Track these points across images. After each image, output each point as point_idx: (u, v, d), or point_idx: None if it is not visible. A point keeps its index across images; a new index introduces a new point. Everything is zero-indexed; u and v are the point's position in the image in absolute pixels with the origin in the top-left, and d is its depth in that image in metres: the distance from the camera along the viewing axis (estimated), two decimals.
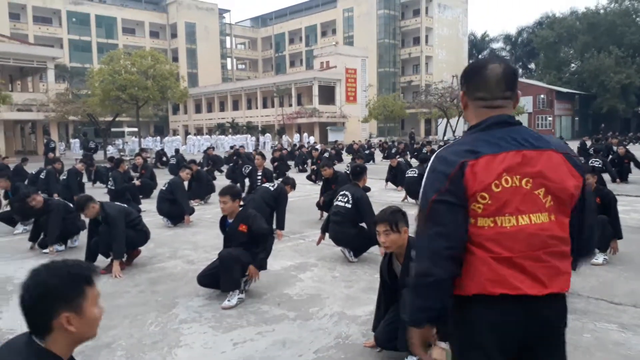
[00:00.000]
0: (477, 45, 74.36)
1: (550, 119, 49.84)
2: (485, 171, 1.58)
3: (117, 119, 29.67)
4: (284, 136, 40.43)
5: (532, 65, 68.93)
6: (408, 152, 22.77)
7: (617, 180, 12.12)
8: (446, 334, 1.88)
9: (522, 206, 1.59)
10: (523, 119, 44.86)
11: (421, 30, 60.54)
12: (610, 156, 14.38)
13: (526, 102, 47.88)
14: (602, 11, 55.97)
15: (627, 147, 16.25)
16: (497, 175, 1.58)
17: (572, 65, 59.81)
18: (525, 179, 1.60)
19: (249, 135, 41.32)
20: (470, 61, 1.77)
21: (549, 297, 1.60)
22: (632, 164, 12.78)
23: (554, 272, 1.61)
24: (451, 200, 1.59)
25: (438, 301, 1.63)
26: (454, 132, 40.33)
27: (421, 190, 1.68)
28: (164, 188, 8.33)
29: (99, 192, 11.79)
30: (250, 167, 11.32)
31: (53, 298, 1.43)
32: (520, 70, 72.57)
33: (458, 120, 41.78)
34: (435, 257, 1.60)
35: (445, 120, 41.49)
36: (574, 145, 18.72)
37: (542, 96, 51.04)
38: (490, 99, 1.69)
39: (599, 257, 5.23)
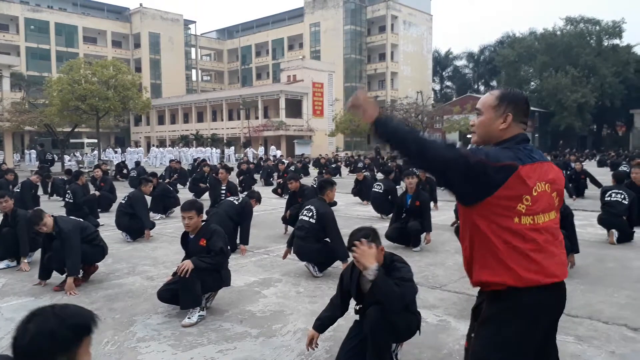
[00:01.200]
0: (441, 62, 76.19)
1: None
2: (528, 177, 1.94)
3: (76, 129, 28.86)
4: (249, 149, 40.08)
5: (494, 83, 71.09)
6: (374, 167, 22.96)
7: (574, 197, 12.32)
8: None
9: (546, 206, 1.99)
10: None
11: (387, 46, 61.69)
12: (568, 172, 14.84)
13: None
14: (558, 32, 58.32)
15: (584, 163, 16.82)
16: (535, 181, 1.96)
17: (532, 83, 61.95)
18: (548, 184, 2.01)
19: (212, 148, 40.71)
20: (506, 88, 2.08)
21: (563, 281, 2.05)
22: (588, 180, 13.19)
23: (564, 259, 2.06)
24: (489, 171, 1.89)
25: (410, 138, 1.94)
26: None
27: (487, 152, 1.96)
28: (123, 201, 8.08)
29: (55, 205, 11.39)
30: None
31: (55, 347, 1.43)
32: (482, 88, 74.73)
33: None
34: (444, 150, 1.91)
35: None
36: None
37: None
38: (527, 122, 2.17)
39: None
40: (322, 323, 3.35)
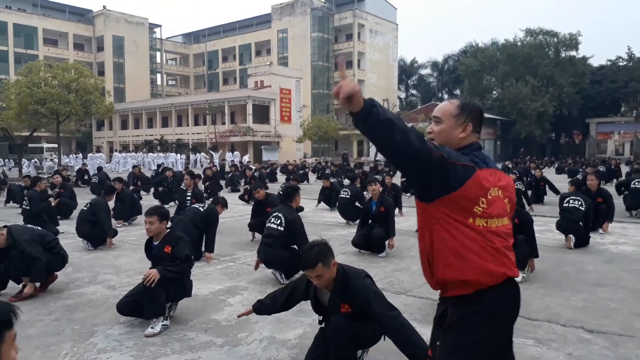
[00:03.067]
0: (406, 70, 77.36)
1: None
2: (485, 180, 2.01)
3: (35, 134, 27.95)
4: (214, 153, 39.54)
5: (457, 92, 72.57)
6: (342, 173, 23.02)
7: (532, 207, 11.60)
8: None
9: (500, 211, 2.04)
10: None
11: (354, 54, 62.26)
12: (528, 179, 15.25)
13: None
14: (519, 43, 60.06)
15: (543, 170, 17.31)
16: (490, 185, 2.02)
17: (494, 92, 63.49)
18: (500, 190, 2.07)
19: (177, 154, 39.98)
20: (464, 98, 2.18)
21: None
22: (547, 187, 13.58)
23: (513, 261, 2.10)
24: (450, 168, 1.92)
25: (387, 121, 1.83)
26: None
27: (448, 151, 1.97)
28: (85, 208, 7.85)
29: (12, 212, 10.98)
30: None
31: None
32: (446, 96, 76.22)
33: None
34: (415, 140, 1.85)
35: None
36: None
37: None
38: (480, 132, 2.24)
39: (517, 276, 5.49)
40: (260, 308, 3.50)
